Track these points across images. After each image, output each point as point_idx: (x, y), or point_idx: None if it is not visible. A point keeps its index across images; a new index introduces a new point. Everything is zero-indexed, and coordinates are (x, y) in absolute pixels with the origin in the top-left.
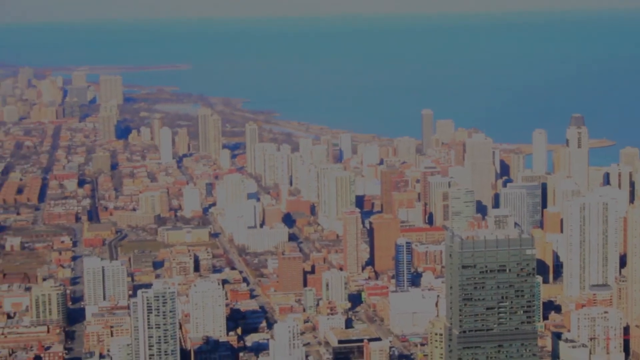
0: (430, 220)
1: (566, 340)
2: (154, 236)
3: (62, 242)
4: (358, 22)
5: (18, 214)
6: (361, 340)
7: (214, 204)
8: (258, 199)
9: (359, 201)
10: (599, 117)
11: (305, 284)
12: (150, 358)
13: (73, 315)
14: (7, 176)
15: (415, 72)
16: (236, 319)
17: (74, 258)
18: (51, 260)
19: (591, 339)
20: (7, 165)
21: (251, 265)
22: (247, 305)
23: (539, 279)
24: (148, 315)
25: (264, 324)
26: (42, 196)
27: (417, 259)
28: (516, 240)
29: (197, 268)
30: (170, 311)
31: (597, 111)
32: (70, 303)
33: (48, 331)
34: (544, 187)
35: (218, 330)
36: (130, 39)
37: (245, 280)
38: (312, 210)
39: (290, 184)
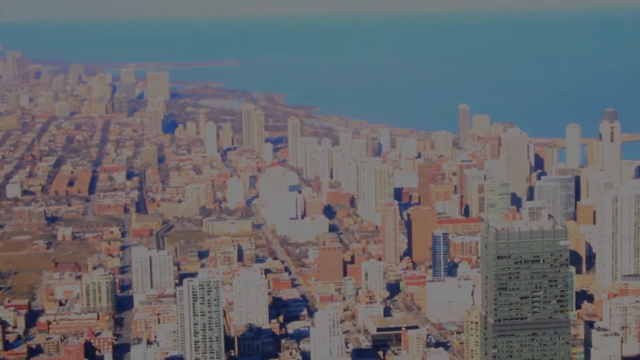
0: (466, 212)
1: (598, 329)
2: (199, 227)
3: (112, 232)
4: (395, 20)
5: (69, 205)
6: (399, 328)
7: (257, 196)
8: (299, 191)
9: (397, 193)
10: (631, 112)
11: (345, 274)
12: (195, 344)
13: (122, 303)
14: (59, 169)
15: (452, 68)
16: (278, 307)
17: (122, 248)
18: (101, 249)
19: (623, 328)
20: (58, 158)
21: (293, 255)
22: (288, 294)
23: (572, 269)
24: (193, 303)
25: (305, 312)
26: (92, 188)
27: (454, 250)
28: (550, 231)
29: (240, 258)
30: (215, 299)
31: (629, 106)
32: (119, 291)
33: (98, 318)
34: (577, 180)
35: (261, 318)
36: (177, 36)
37: (287, 269)
38: (352, 202)
39: (331, 176)
